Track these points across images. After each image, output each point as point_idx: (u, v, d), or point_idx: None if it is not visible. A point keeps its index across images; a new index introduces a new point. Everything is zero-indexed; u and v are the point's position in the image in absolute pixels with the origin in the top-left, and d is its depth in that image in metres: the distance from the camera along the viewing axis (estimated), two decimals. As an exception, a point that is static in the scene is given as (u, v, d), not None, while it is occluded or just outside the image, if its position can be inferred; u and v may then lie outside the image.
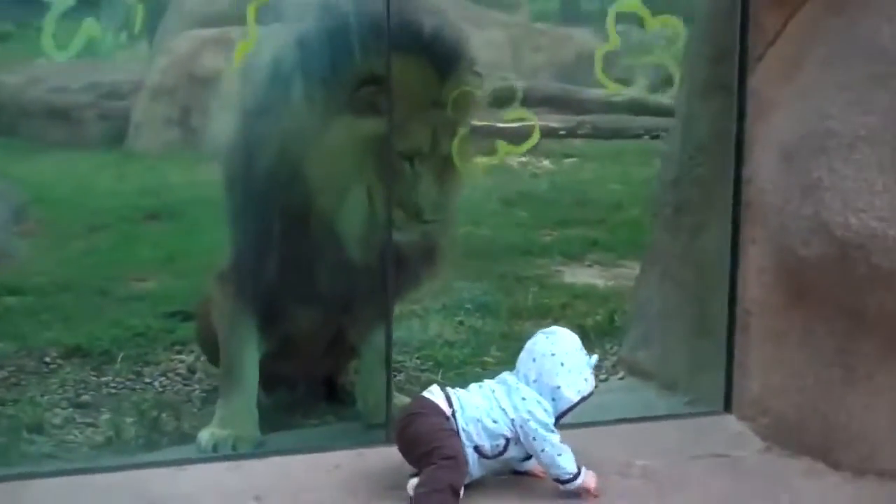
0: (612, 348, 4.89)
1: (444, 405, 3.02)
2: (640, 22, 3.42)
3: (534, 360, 3.07)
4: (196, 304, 4.36)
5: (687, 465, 3.35)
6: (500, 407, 3.02)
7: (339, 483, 3.17)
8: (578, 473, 3.04)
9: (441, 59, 3.46)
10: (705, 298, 4.01)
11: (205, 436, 3.54)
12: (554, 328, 3.15)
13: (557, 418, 3.07)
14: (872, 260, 3.04)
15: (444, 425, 2.99)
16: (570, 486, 3.05)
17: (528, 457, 3.10)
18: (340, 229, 3.56)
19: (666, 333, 4.21)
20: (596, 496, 3.07)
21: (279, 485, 3.15)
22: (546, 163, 9.77)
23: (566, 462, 3.02)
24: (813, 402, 3.35)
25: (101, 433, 3.89)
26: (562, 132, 10.73)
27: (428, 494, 2.89)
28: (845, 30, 3.21)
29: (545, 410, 3.02)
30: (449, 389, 3.07)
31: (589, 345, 4.93)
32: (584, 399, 3.07)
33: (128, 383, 4.42)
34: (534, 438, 2.99)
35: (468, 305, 5.54)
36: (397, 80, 3.37)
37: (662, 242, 4.32)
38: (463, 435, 2.99)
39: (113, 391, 4.32)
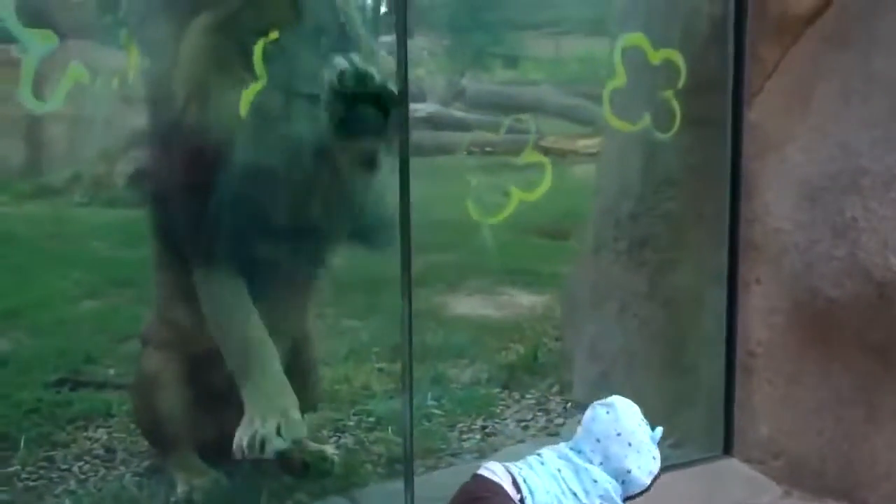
0: (551, 387, 4.70)
1: (511, 490, 2.70)
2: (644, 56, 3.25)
3: (598, 440, 2.79)
4: (132, 380, 3.81)
5: (722, 519, 3.21)
6: (571, 490, 2.73)
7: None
8: None
9: None
10: (677, 337, 3.91)
11: (247, 437, 3.12)
12: (612, 400, 2.85)
13: (624, 500, 2.83)
14: (911, 300, 3.01)
15: None
16: None
17: None
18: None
19: (632, 373, 4.07)
20: None
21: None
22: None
23: None
24: (834, 443, 3.31)
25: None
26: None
27: None
28: (858, 65, 3.18)
29: (617, 495, 2.77)
30: (514, 470, 2.75)
31: (515, 383, 4.83)
32: (655, 479, 2.84)
33: (41, 472, 3.77)
34: None
35: (376, 349, 5.19)
36: None
37: (615, 278, 4.18)
38: None
39: (30, 484, 3.68)
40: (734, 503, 3.30)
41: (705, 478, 3.49)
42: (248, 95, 2.74)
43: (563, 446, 2.81)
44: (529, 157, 3.19)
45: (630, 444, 2.71)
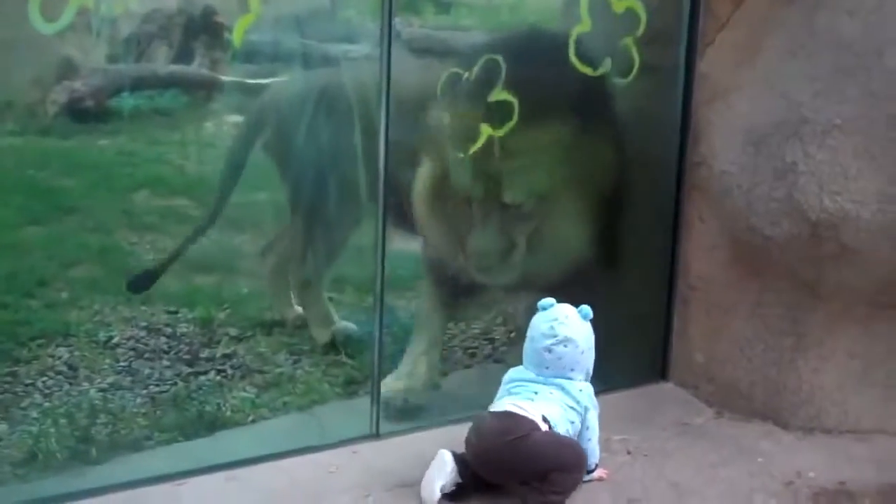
0: (495, 318, 4.91)
1: (542, 424, 2.94)
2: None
3: (572, 369, 3.07)
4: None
5: (660, 437, 3.49)
6: (570, 406, 3.01)
7: (349, 486, 3.04)
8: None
9: None
10: (619, 270, 4.15)
11: None
12: (565, 334, 3.08)
13: None
14: (842, 239, 3.30)
15: (560, 437, 2.95)
16: (588, 476, 3.09)
17: None
18: None
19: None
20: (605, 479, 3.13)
21: (290, 493, 2.96)
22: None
23: (598, 449, 3.06)
24: (763, 370, 3.61)
25: (15, 447, 3.42)
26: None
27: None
28: (803, 22, 3.42)
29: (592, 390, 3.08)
30: (534, 405, 2.98)
31: (461, 314, 5.03)
32: None
33: (6, 386, 3.88)
34: (587, 427, 3.02)
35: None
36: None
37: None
38: None
39: (-5, 397, 3.79)
40: (671, 422, 3.55)
41: (644, 399, 3.76)
42: (241, 26, 2.86)
43: (536, 376, 3.05)
44: (498, 95, 3.38)
45: (590, 347, 3.02)
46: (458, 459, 2.91)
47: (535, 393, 2.98)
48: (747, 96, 3.50)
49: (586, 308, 3.09)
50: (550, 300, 3.11)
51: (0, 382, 3.93)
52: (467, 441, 2.94)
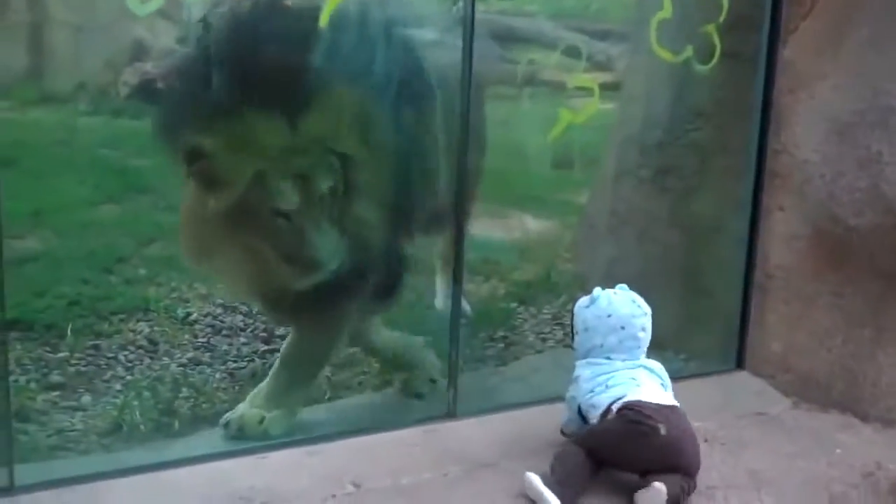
0: (566, 304, 4.91)
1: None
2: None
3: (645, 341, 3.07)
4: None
5: (737, 425, 3.48)
6: (662, 384, 3.03)
7: (428, 463, 3.06)
8: None
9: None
10: (696, 259, 4.14)
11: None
12: (645, 317, 3.10)
13: None
14: (927, 230, 3.25)
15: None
16: None
17: None
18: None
19: (648, 293, 4.29)
20: None
21: (370, 469, 2.99)
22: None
23: None
24: (842, 361, 3.58)
25: (100, 418, 3.50)
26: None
27: None
28: (890, 11, 3.38)
29: None
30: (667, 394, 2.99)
31: (531, 299, 5.05)
32: None
33: (90, 359, 3.96)
34: None
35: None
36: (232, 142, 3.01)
37: (637, 204, 4.39)
38: None
39: (81, 369, 3.88)
40: (748, 411, 3.54)
41: (720, 388, 3.75)
42: (330, 5, 2.89)
43: (623, 362, 3.04)
44: (578, 80, 3.38)
45: None
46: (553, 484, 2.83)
47: (633, 379, 2.97)
48: (832, 85, 3.47)
49: (624, 285, 3.11)
50: (599, 290, 3.09)
51: (84, 355, 4.00)
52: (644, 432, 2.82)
